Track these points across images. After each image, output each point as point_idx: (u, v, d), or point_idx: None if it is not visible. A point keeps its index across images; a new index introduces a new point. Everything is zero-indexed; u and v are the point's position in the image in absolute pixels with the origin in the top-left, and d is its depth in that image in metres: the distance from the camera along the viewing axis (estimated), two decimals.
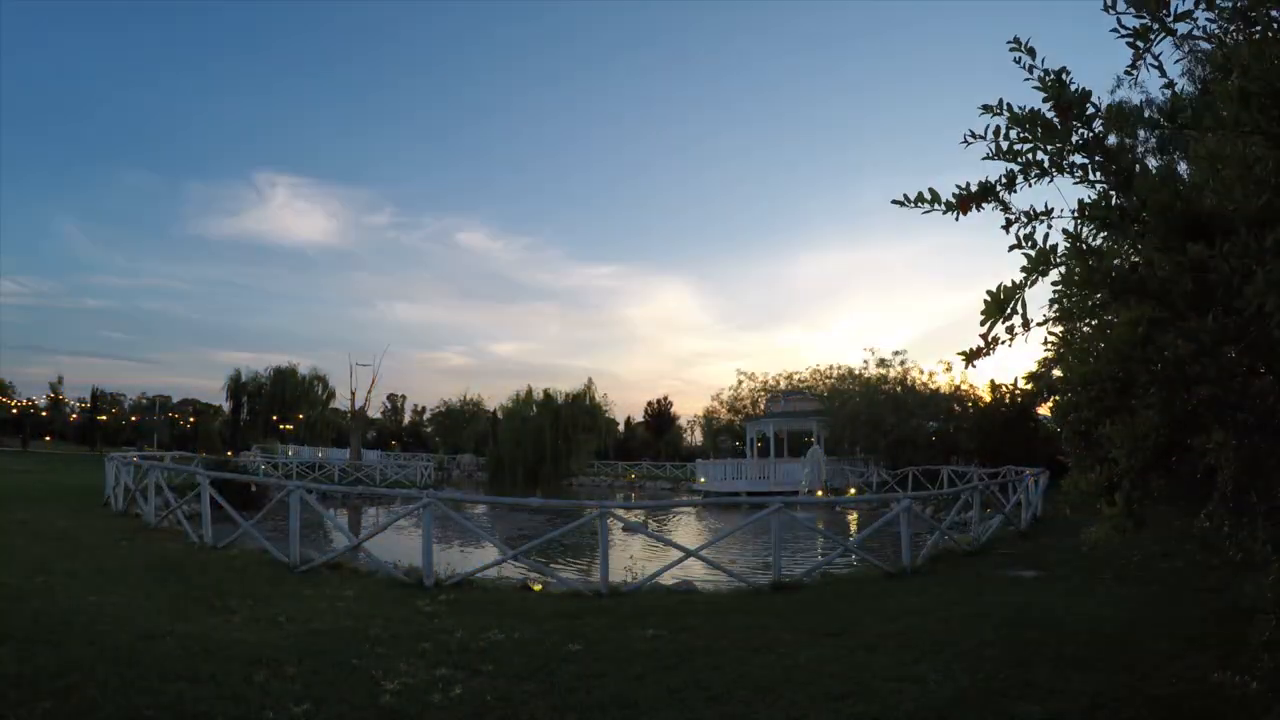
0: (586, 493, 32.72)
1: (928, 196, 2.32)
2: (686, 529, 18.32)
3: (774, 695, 4.46)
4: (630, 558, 11.56)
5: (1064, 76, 2.20)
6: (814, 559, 11.07)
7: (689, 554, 8.56)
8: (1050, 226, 2.30)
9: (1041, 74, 2.20)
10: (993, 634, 5.62)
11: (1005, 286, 2.26)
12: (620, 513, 10.15)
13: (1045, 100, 2.22)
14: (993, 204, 2.32)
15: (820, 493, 23.94)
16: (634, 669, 4.95)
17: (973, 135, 2.31)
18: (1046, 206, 2.30)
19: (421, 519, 8.43)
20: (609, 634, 5.98)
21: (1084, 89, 2.19)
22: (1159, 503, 2.50)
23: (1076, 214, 2.26)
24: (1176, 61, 2.13)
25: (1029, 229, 2.30)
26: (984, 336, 2.35)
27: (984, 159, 2.31)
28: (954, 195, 2.34)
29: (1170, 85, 2.21)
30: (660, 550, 11.10)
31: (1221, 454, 2.51)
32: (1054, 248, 2.24)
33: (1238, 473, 2.51)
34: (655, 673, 4.87)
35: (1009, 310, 2.25)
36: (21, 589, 6.45)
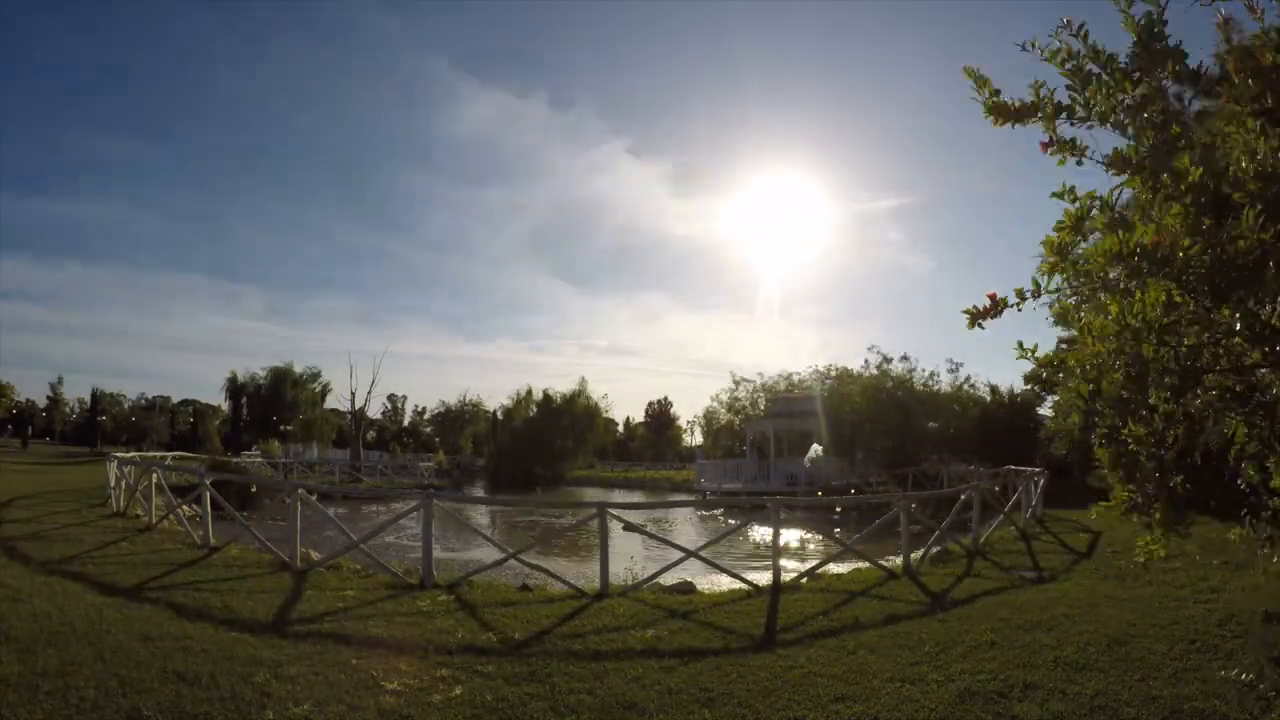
0: (585, 493, 32.72)
1: (984, 92, 2.27)
2: (686, 529, 18.32)
3: (774, 696, 4.46)
4: (630, 557, 11.56)
5: (1159, 27, 2.11)
6: (814, 559, 11.07)
7: (688, 554, 8.55)
8: (1080, 163, 2.26)
9: (1126, 11, 2.12)
10: (993, 634, 5.63)
11: (1051, 239, 2.23)
12: (619, 512, 10.14)
13: (1136, 43, 2.13)
14: (1036, 120, 2.27)
15: (820, 493, 23.92)
16: (634, 669, 4.95)
17: (1032, 44, 2.25)
18: (1083, 145, 2.26)
19: (421, 519, 8.42)
20: (608, 634, 5.98)
21: (1180, 44, 2.13)
22: (1189, 506, 2.48)
23: (1106, 163, 2.21)
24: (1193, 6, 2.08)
25: (1061, 159, 2.26)
26: (992, 297, 2.30)
27: (1063, 74, 2.23)
28: (998, 103, 2.28)
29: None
30: (660, 550, 11.10)
31: (1243, 448, 2.48)
32: (1088, 206, 2.21)
33: (1257, 466, 2.48)
34: (655, 673, 4.87)
35: (1065, 259, 2.22)
36: (22, 589, 6.44)
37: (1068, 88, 2.24)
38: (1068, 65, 2.22)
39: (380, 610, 6.61)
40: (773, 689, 4.58)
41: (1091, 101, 2.21)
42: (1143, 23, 2.14)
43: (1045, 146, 2.28)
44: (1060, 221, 2.24)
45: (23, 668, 4.42)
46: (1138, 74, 2.17)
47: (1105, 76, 2.18)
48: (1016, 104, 2.29)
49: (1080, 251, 2.29)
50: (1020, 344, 2.42)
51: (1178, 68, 2.14)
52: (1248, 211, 1.94)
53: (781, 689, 4.58)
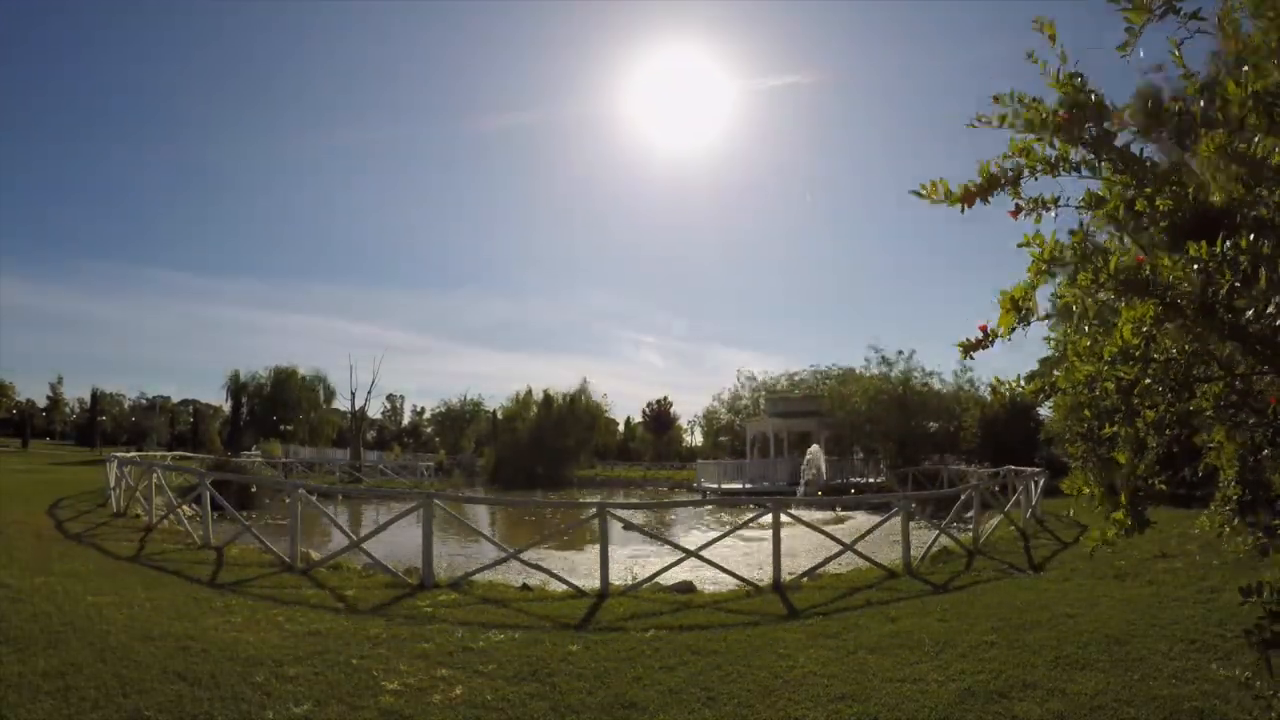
0: (587, 492, 32.71)
1: (939, 190, 2.32)
2: (686, 528, 18.31)
3: (774, 696, 4.47)
4: (630, 557, 11.56)
5: (1078, 80, 2.18)
6: (814, 558, 11.07)
7: (689, 554, 8.55)
8: (1056, 216, 2.29)
9: (1056, 71, 2.18)
10: (993, 634, 5.63)
11: (1020, 286, 2.25)
12: (620, 512, 10.14)
13: (1061, 101, 2.20)
14: (1001, 192, 2.31)
15: (820, 493, 23.92)
16: (634, 669, 4.95)
17: (980, 119, 2.30)
18: (1054, 195, 2.29)
19: (421, 519, 8.42)
20: (609, 634, 5.98)
21: (1098, 94, 2.17)
22: (1159, 503, 2.49)
23: (1082, 205, 2.25)
24: (1184, 35, 2.09)
25: (1036, 216, 2.29)
26: (983, 329, 2.34)
27: (1004, 158, 2.29)
28: (960, 189, 2.33)
29: (1190, 75, 2.16)
30: (660, 550, 11.10)
31: (1223, 454, 2.51)
32: (1061, 246, 2.23)
33: (1240, 472, 2.51)
34: (655, 673, 4.87)
35: (1024, 311, 2.25)
36: (22, 589, 6.45)
37: (1019, 155, 2.27)
38: (1019, 124, 2.25)
39: (380, 610, 6.62)
40: (773, 688, 4.59)
41: (1040, 155, 2.24)
42: (1064, 78, 2.18)
43: (1014, 214, 2.31)
44: (1031, 266, 2.26)
45: (23, 668, 4.43)
46: (1074, 128, 2.20)
47: (1035, 129, 2.22)
48: (978, 183, 2.32)
49: (1054, 289, 2.32)
50: (1000, 378, 2.56)
51: (1103, 122, 2.18)
52: (1241, 232, 1.95)
53: (782, 688, 4.58)
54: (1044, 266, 2.23)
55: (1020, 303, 2.25)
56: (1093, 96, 2.18)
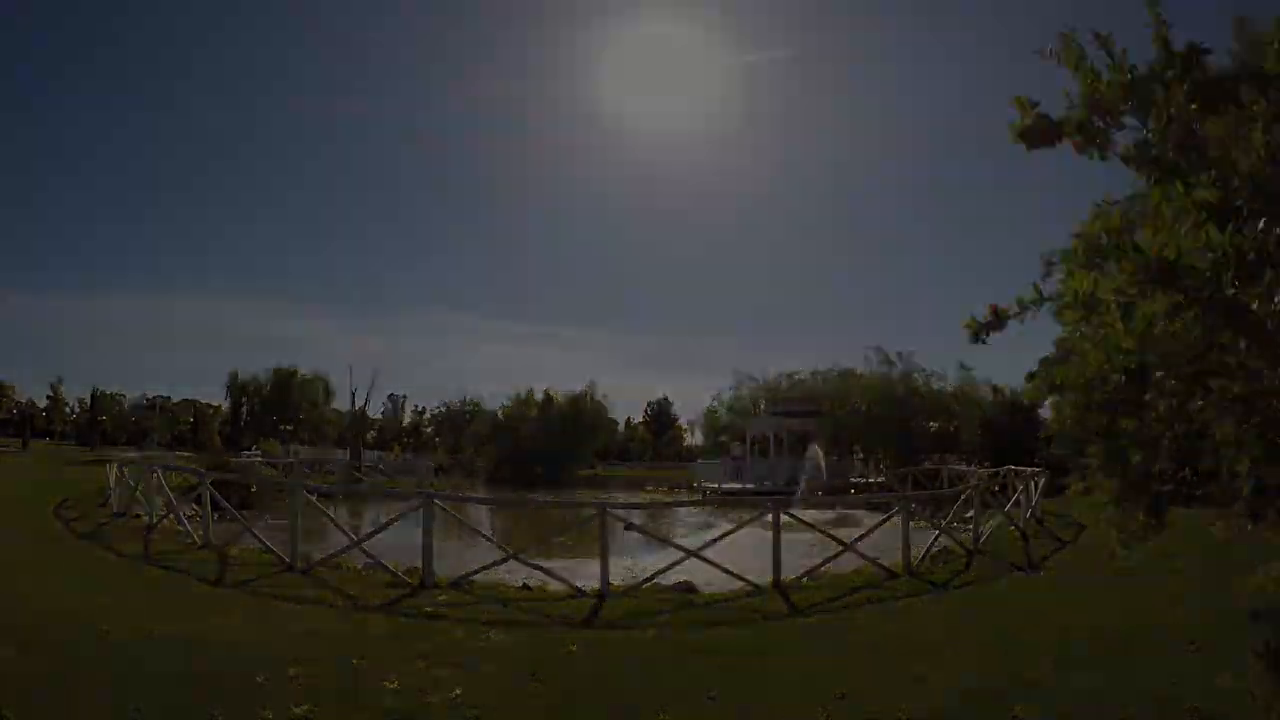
0: (587, 492, 32.67)
1: (1027, 117, 2.25)
2: (686, 528, 18.30)
3: (775, 695, 4.47)
4: (630, 558, 11.55)
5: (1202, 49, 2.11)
6: (814, 559, 11.06)
7: (689, 554, 8.55)
8: (1107, 159, 2.24)
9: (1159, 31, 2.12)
10: (993, 634, 5.63)
11: (1086, 277, 2.20)
12: (620, 512, 10.14)
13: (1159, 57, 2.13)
14: (1067, 140, 2.26)
15: (820, 493, 23.91)
16: (634, 669, 4.95)
17: (1051, 53, 2.25)
18: (1108, 137, 2.24)
19: (421, 519, 8.42)
20: (609, 634, 5.98)
21: (1201, 45, 2.11)
22: (1174, 503, 2.48)
23: (1127, 154, 2.19)
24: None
25: (1091, 154, 2.23)
26: (994, 309, 2.28)
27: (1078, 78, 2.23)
28: (1038, 124, 2.26)
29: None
30: (660, 550, 11.09)
31: (1234, 450, 2.49)
32: (1099, 233, 2.19)
33: (1252, 469, 2.49)
34: (655, 673, 4.87)
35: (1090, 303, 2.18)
36: (22, 589, 6.45)
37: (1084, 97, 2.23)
38: (1082, 66, 2.21)
39: (380, 610, 6.61)
40: (774, 688, 4.59)
41: (1110, 105, 2.20)
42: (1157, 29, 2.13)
43: (1079, 146, 2.26)
44: (1070, 248, 2.22)
45: (23, 668, 4.43)
46: (1164, 79, 2.16)
47: (1116, 75, 2.17)
48: (1041, 126, 2.26)
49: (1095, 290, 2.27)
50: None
51: (1194, 72, 2.12)
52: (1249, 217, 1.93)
53: (783, 688, 4.58)
54: (1082, 258, 2.18)
55: (1081, 296, 2.19)
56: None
